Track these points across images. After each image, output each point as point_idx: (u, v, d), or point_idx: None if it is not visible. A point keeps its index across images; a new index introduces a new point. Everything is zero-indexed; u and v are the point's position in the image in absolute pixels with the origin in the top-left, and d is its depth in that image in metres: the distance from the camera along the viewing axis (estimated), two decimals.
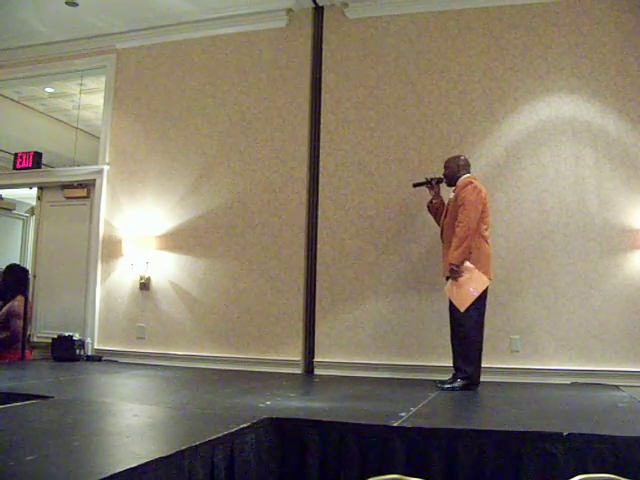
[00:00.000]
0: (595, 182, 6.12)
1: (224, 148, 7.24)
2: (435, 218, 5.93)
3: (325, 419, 3.73)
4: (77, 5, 7.31)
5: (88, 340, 7.41)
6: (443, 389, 5.26)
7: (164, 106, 7.60)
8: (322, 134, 6.92)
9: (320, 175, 6.86)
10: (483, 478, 3.24)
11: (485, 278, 5.31)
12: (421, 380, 5.91)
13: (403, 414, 3.87)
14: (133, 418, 3.78)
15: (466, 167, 5.66)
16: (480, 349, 5.37)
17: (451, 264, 5.27)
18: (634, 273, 5.94)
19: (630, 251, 5.97)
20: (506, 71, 6.45)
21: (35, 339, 7.75)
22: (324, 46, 7.09)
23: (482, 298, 5.32)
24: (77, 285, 7.67)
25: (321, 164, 6.87)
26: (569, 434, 3.24)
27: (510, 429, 3.48)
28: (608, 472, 2.43)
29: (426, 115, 6.62)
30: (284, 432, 3.61)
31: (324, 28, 7.11)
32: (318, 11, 7.14)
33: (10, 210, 9.45)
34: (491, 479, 3.23)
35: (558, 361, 5.81)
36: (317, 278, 6.72)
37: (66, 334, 7.22)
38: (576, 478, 2.30)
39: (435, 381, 5.50)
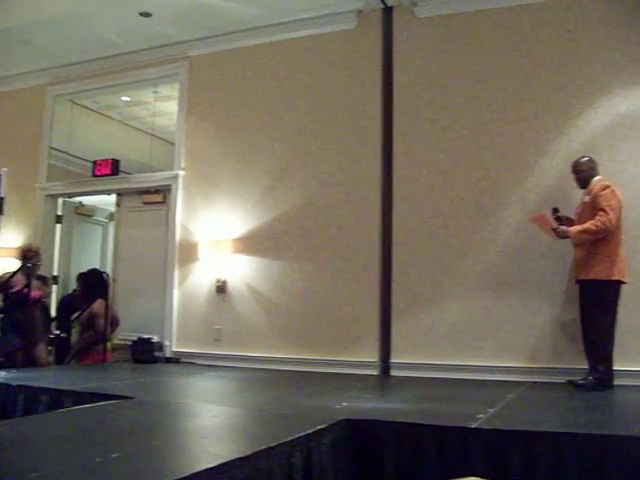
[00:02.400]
0: None
1: (297, 151, 7.27)
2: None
3: (402, 420, 3.69)
4: (150, 16, 7.48)
5: (166, 342, 7.56)
6: (576, 385, 5.23)
7: (236, 111, 7.68)
8: (394, 134, 6.87)
9: (393, 175, 6.81)
10: None
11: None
12: (499, 381, 5.80)
13: (481, 416, 3.80)
14: (211, 419, 3.82)
15: (596, 168, 5.58)
16: (612, 347, 5.30)
17: (569, 231, 5.35)
18: None
19: None
20: (581, 65, 6.26)
21: (115, 341, 7.93)
22: (394, 46, 7.03)
23: (616, 297, 5.31)
24: (155, 288, 7.83)
25: (394, 164, 6.82)
26: None
27: (592, 432, 3.37)
28: None
29: (499, 112, 6.49)
30: (361, 433, 3.58)
31: (394, 28, 7.05)
32: (387, 11, 7.08)
33: (90, 216, 9.68)
34: None
35: None
36: (392, 279, 6.67)
37: (145, 336, 7.38)
38: None
39: (569, 381, 5.42)
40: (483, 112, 6.55)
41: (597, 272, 5.26)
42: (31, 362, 6.82)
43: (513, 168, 6.31)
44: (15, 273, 7.11)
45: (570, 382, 5.36)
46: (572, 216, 5.63)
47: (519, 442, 3.29)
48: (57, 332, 7.65)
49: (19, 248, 7.59)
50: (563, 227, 5.42)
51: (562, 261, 5.96)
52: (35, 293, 6.83)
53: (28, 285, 6.86)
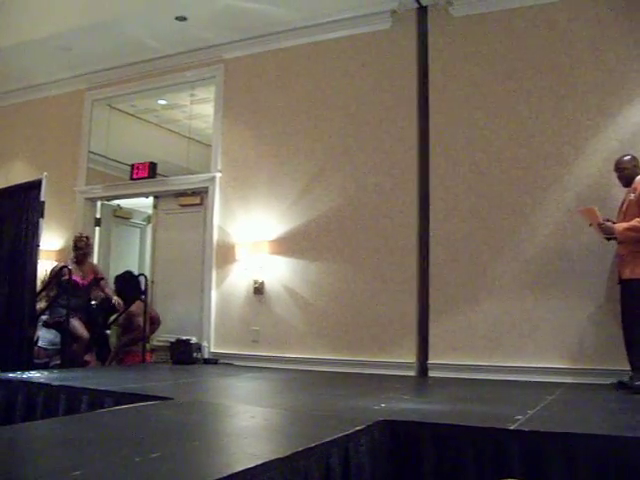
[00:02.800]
0: None
1: (333, 152, 7.27)
2: None
3: (440, 422, 3.67)
4: (186, 20, 7.55)
5: (204, 343, 7.60)
6: (620, 385, 5.15)
7: (272, 112, 7.70)
8: (431, 134, 6.83)
9: (430, 176, 6.78)
10: None
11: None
12: (538, 383, 5.73)
13: (520, 417, 3.75)
14: (250, 420, 3.83)
15: (639, 166, 5.53)
16: None
17: (615, 228, 5.30)
18: None
19: None
20: (618, 62, 6.15)
21: (154, 343, 8.02)
22: (430, 46, 7.00)
23: None
24: (193, 290, 7.88)
25: (431, 165, 6.78)
26: None
27: (635, 435, 3.30)
28: None
29: (536, 111, 6.41)
30: (399, 434, 3.56)
31: (429, 28, 7.02)
32: (422, 11, 7.05)
33: (128, 219, 9.80)
34: None
35: None
36: (430, 279, 6.64)
37: (183, 338, 7.44)
38: None
39: (614, 384, 5.36)
40: (520, 111, 6.47)
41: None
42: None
43: (551, 167, 6.22)
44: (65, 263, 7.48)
45: (619, 383, 5.25)
46: (612, 215, 5.55)
47: (559, 444, 3.23)
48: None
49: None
50: (609, 223, 5.35)
51: (601, 261, 5.89)
52: (85, 281, 7.01)
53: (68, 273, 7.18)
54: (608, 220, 5.49)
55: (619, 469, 3.09)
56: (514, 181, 6.39)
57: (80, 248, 7.52)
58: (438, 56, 6.93)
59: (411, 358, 6.58)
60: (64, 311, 7.05)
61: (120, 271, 8.71)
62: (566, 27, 6.39)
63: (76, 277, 7.25)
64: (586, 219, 5.59)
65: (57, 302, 7.23)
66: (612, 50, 6.19)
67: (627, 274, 5.27)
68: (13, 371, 5.92)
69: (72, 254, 7.65)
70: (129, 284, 7.90)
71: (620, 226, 5.27)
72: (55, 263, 8.44)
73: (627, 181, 5.50)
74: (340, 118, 7.30)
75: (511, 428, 3.43)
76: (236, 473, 2.33)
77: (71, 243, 7.81)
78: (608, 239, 5.56)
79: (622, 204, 5.50)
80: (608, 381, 5.51)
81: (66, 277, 7.10)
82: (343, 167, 7.19)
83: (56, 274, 7.36)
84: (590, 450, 3.17)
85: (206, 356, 7.56)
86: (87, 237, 7.70)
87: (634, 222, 5.17)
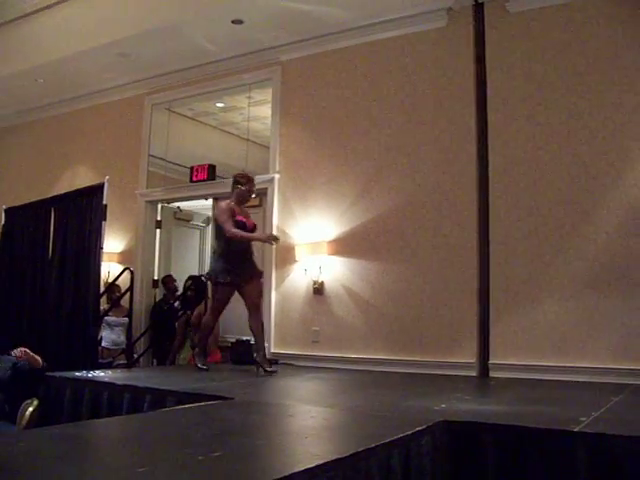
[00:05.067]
0: None
1: (391, 151, 7.24)
2: None
3: (502, 423, 3.62)
4: (242, 22, 7.61)
5: (265, 344, 7.64)
6: None
7: (330, 113, 7.72)
8: (490, 132, 6.74)
9: (490, 174, 6.69)
10: None
11: None
12: (602, 384, 5.58)
13: (584, 419, 3.66)
14: (310, 419, 3.84)
15: None
16: None
17: None
18: None
19: None
20: None
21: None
22: (487, 43, 6.89)
23: None
24: None
25: (490, 162, 6.69)
26: None
27: None
28: None
29: (597, 105, 6.25)
30: (460, 435, 3.53)
31: (485, 24, 6.92)
32: (478, 8, 6.96)
33: (188, 221, 9.94)
34: None
35: None
36: (490, 279, 6.55)
37: (243, 338, 7.49)
38: None
39: None
40: (581, 106, 6.33)
41: None
42: None
43: (614, 163, 6.07)
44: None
45: None
46: None
47: (625, 447, 3.15)
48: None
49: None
50: None
51: None
52: (251, 222, 6.61)
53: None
54: None
55: None
56: (575, 178, 6.25)
57: (241, 184, 6.58)
58: (495, 53, 6.84)
59: (472, 358, 6.51)
60: None
61: (181, 273, 8.88)
62: (627, 19, 6.23)
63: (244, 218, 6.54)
64: None
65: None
66: None
67: None
68: (79, 370, 6.07)
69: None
70: (199, 285, 8.12)
71: None
72: (118, 265, 8.68)
73: None
74: (397, 117, 7.26)
75: (576, 430, 3.35)
76: (297, 472, 2.33)
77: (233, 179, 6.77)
78: None
79: None
80: None
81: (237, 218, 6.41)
82: (401, 167, 7.15)
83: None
84: None
85: (266, 356, 7.60)
86: (250, 175, 6.77)
87: None
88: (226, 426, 3.53)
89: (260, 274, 6.69)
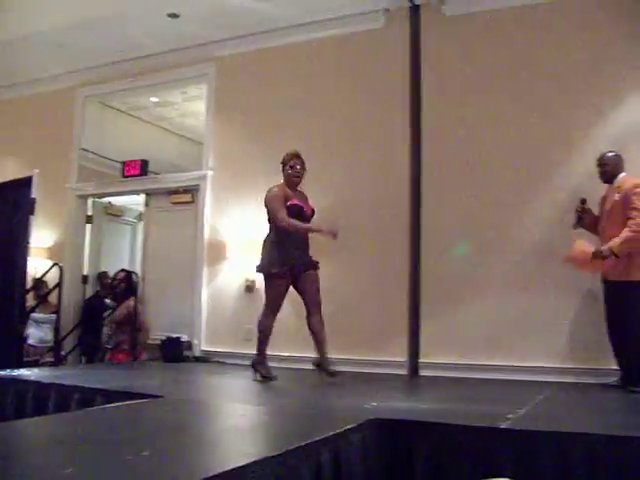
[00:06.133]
0: None
1: (325, 151, 7.24)
2: (590, 229, 5.68)
3: (432, 420, 3.67)
4: (178, 17, 7.53)
5: (195, 341, 7.59)
6: (631, 392, 5.07)
7: (265, 110, 7.69)
8: (423, 133, 6.84)
9: (422, 175, 6.78)
10: None
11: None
12: (529, 382, 5.75)
13: (510, 416, 3.76)
14: (241, 418, 3.83)
15: (622, 164, 5.51)
16: None
17: (610, 250, 5.16)
18: None
19: None
20: (611, 62, 6.16)
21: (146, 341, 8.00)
22: (422, 45, 6.99)
23: None
24: (184, 288, 7.87)
25: (423, 163, 6.78)
26: None
27: (628, 434, 3.31)
28: None
29: (528, 110, 6.42)
30: (390, 433, 3.56)
31: (421, 27, 7.01)
32: (415, 10, 7.04)
33: (119, 216, 9.77)
34: None
35: None
36: (421, 279, 6.65)
37: (174, 336, 7.43)
38: None
39: (605, 384, 5.43)
40: (512, 110, 6.48)
41: (636, 274, 5.18)
42: None
43: (543, 166, 6.24)
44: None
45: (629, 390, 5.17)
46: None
47: (550, 443, 3.24)
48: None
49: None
50: (604, 248, 5.21)
51: None
52: (309, 206, 5.97)
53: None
54: (592, 213, 5.54)
55: (610, 468, 3.10)
56: (506, 181, 6.39)
57: (285, 162, 6.01)
58: (430, 55, 6.93)
59: (402, 357, 6.59)
60: None
61: (111, 269, 8.74)
62: (559, 27, 6.41)
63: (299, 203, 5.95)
64: (577, 264, 5.49)
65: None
66: (604, 51, 6.20)
67: (618, 277, 5.26)
68: (3, 369, 5.90)
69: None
70: (130, 280, 8.01)
71: (616, 244, 5.15)
72: (47, 260, 8.48)
73: (608, 177, 5.51)
74: (333, 117, 7.29)
75: (503, 427, 3.44)
76: (227, 471, 2.33)
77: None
78: (576, 227, 5.61)
79: (604, 201, 5.51)
80: (598, 380, 5.54)
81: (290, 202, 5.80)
82: (336, 166, 7.18)
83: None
84: (580, 449, 3.18)
85: (197, 354, 7.55)
86: (296, 152, 6.04)
87: (625, 234, 5.12)
88: (155, 425, 3.49)
89: (317, 265, 5.86)
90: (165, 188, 8.30)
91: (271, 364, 6.53)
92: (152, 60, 8.44)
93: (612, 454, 3.12)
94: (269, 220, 5.82)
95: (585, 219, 5.61)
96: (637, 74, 6.08)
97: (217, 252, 7.68)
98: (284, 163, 5.94)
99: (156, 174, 8.54)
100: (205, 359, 7.46)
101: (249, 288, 7.41)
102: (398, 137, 6.91)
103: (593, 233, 5.64)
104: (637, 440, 3.19)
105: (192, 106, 9.34)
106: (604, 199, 5.53)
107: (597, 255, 5.23)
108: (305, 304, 5.77)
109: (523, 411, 4.03)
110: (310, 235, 5.84)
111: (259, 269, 5.81)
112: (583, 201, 5.61)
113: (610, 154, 5.54)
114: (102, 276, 8.91)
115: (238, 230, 7.55)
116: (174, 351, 7.36)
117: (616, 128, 6.07)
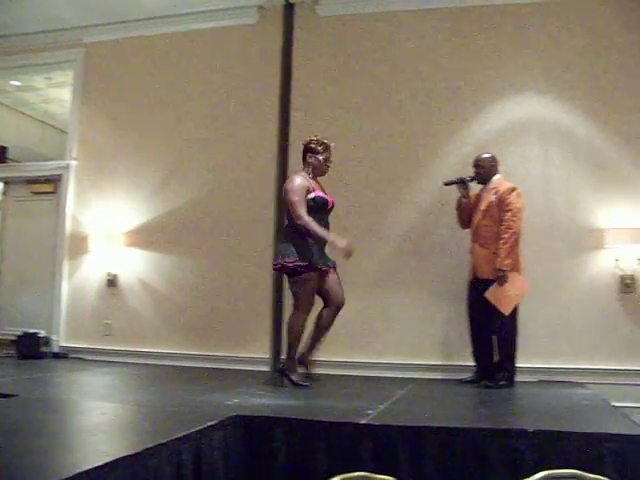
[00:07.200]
0: (562, 183, 6.19)
1: (194, 144, 7.20)
2: (461, 217, 5.88)
3: (293, 416, 3.72)
4: None
5: (54, 337, 7.33)
6: (487, 387, 5.31)
7: (134, 101, 7.52)
8: (292, 131, 6.89)
9: (289, 172, 6.83)
10: (451, 474, 3.26)
11: (526, 282, 5.48)
12: (390, 378, 5.94)
13: (371, 412, 3.87)
14: (100, 416, 3.74)
15: (497, 166, 5.74)
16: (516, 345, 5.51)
17: (501, 270, 5.34)
18: (599, 272, 6.02)
19: (595, 251, 6.04)
20: (476, 71, 6.48)
21: None
22: (294, 43, 7.05)
23: None
24: (43, 281, 7.58)
25: (290, 161, 6.82)
26: (535, 431, 3.29)
27: (477, 426, 3.52)
28: (571, 467, 2.46)
29: (396, 113, 6.63)
30: (252, 429, 3.59)
31: (294, 25, 7.08)
32: (289, 8, 7.10)
33: None
34: (458, 476, 3.25)
35: (525, 359, 5.77)
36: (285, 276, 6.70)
37: (31, 331, 7.15)
38: (540, 474, 2.32)
39: (461, 380, 5.66)
40: (380, 112, 6.67)
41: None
42: None
43: (408, 168, 6.45)
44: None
45: (485, 385, 5.43)
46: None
47: (408, 437, 3.37)
48: None
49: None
50: (500, 274, 5.34)
51: (454, 260, 6.16)
52: (331, 198, 5.45)
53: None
54: (468, 179, 5.75)
55: (463, 459, 3.28)
56: (371, 181, 6.57)
57: (315, 152, 5.39)
58: (302, 54, 7.01)
59: (265, 353, 6.63)
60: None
61: None
62: (428, 35, 6.67)
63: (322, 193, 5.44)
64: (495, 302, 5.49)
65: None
66: (470, 59, 6.52)
67: (486, 274, 5.47)
68: None
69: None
70: None
71: (504, 261, 5.32)
72: None
73: (483, 178, 5.74)
74: (202, 111, 7.23)
75: (362, 422, 3.53)
76: (85, 471, 2.27)
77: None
78: (447, 185, 5.83)
79: (479, 202, 5.70)
80: (456, 377, 5.79)
81: (314, 194, 5.28)
82: (202, 161, 7.14)
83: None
84: (437, 442, 3.33)
85: (55, 350, 7.29)
86: (325, 141, 5.45)
87: (500, 249, 5.33)
88: (8, 425, 3.34)
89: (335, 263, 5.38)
90: (25, 177, 7.96)
91: (133, 360, 6.42)
92: (14, 40, 7.99)
93: (463, 445, 3.30)
94: (287, 213, 5.29)
95: (464, 196, 5.78)
96: (497, 83, 6.42)
97: (79, 245, 7.44)
98: (314, 150, 5.34)
99: (16, 162, 8.17)
100: (64, 355, 7.22)
101: (111, 282, 7.24)
102: (267, 135, 6.94)
103: (461, 219, 5.88)
104: (486, 430, 3.40)
105: (57, 92, 8.98)
106: (478, 198, 5.75)
107: (502, 280, 5.36)
108: (329, 303, 5.32)
109: (383, 407, 4.16)
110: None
111: (289, 266, 5.11)
112: (472, 179, 5.78)
113: (485, 156, 5.77)
114: None
115: (102, 222, 7.35)
116: (30, 347, 7.07)
117: (479, 134, 6.39)
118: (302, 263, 5.02)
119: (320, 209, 5.20)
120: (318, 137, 5.38)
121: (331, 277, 5.26)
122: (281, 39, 7.07)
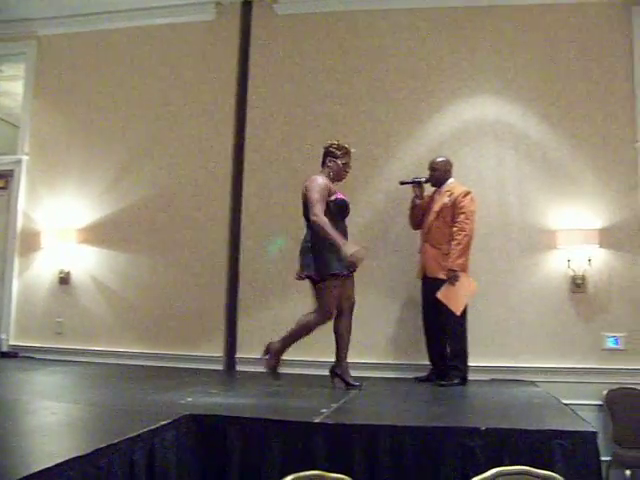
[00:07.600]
0: (515, 184, 6.29)
1: (148, 141, 7.13)
2: (413, 217, 5.96)
3: (246, 415, 3.73)
4: None
5: (3, 336, 7.20)
6: (441, 386, 5.37)
7: (88, 96, 7.41)
8: (247, 129, 6.89)
9: (245, 171, 6.83)
10: (404, 473, 3.29)
11: (474, 283, 5.59)
12: None
13: (324, 410, 3.88)
14: (51, 416, 3.67)
15: (451, 170, 5.83)
16: (467, 342, 5.62)
17: (453, 270, 5.44)
18: (551, 273, 6.13)
19: (547, 251, 6.16)
20: (431, 72, 6.55)
21: None
22: (252, 41, 7.03)
23: None
24: None
25: (246, 160, 6.83)
26: (487, 429, 3.34)
27: (430, 424, 3.55)
28: (523, 464, 2.51)
29: (351, 112, 6.66)
30: (205, 428, 3.58)
31: (252, 23, 7.05)
32: (246, 5, 7.07)
33: None
34: (411, 473, 3.29)
35: (477, 358, 5.84)
36: (240, 274, 6.69)
37: None
38: (492, 471, 2.36)
39: (416, 378, 5.78)
40: (336, 111, 6.69)
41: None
42: None
43: (363, 168, 6.44)
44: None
45: (439, 384, 5.49)
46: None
47: (361, 436, 3.39)
48: None
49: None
50: (451, 274, 5.45)
51: (408, 259, 6.20)
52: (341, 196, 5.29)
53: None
54: (421, 180, 5.84)
55: (416, 456, 3.31)
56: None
57: (335, 156, 5.34)
58: (259, 52, 6.99)
59: (219, 352, 6.61)
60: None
61: None
62: (384, 35, 6.71)
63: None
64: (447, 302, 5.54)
65: None
66: (426, 60, 6.59)
67: (434, 272, 5.59)
68: None
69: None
70: None
71: (452, 264, 5.45)
72: None
73: (437, 181, 5.83)
74: (157, 108, 7.16)
75: (316, 421, 3.54)
76: (33, 474, 2.22)
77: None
78: (402, 184, 5.94)
79: (432, 203, 5.78)
80: (411, 375, 5.88)
81: (335, 196, 5.26)
82: (157, 158, 7.07)
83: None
84: (390, 440, 3.36)
85: (4, 349, 7.15)
86: (346, 147, 5.39)
87: (453, 249, 5.47)
88: None
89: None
90: None
91: (85, 359, 6.34)
92: None
93: (416, 443, 3.34)
94: (305, 214, 5.19)
95: (418, 196, 5.86)
96: (455, 84, 6.49)
97: (31, 242, 7.31)
98: (334, 154, 5.28)
99: None
100: (14, 354, 7.09)
101: (63, 280, 7.13)
102: (222, 132, 6.92)
103: (412, 220, 5.97)
104: (439, 429, 3.45)
105: (8, 85, 8.78)
106: (431, 199, 5.83)
107: (454, 280, 5.46)
108: (343, 306, 5.26)
109: (336, 405, 4.18)
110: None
111: (318, 273, 5.05)
112: (426, 181, 5.87)
113: (440, 159, 5.87)
114: None
115: (54, 219, 7.23)
116: None
117: (433, 135, 6.48)
118: (329, 272, 4.97)
119: (339, 212, 5.16)
120: (339, 142, 5.33)
121: (350, 280, 5.26)
122: (238, 37, 7.04)
